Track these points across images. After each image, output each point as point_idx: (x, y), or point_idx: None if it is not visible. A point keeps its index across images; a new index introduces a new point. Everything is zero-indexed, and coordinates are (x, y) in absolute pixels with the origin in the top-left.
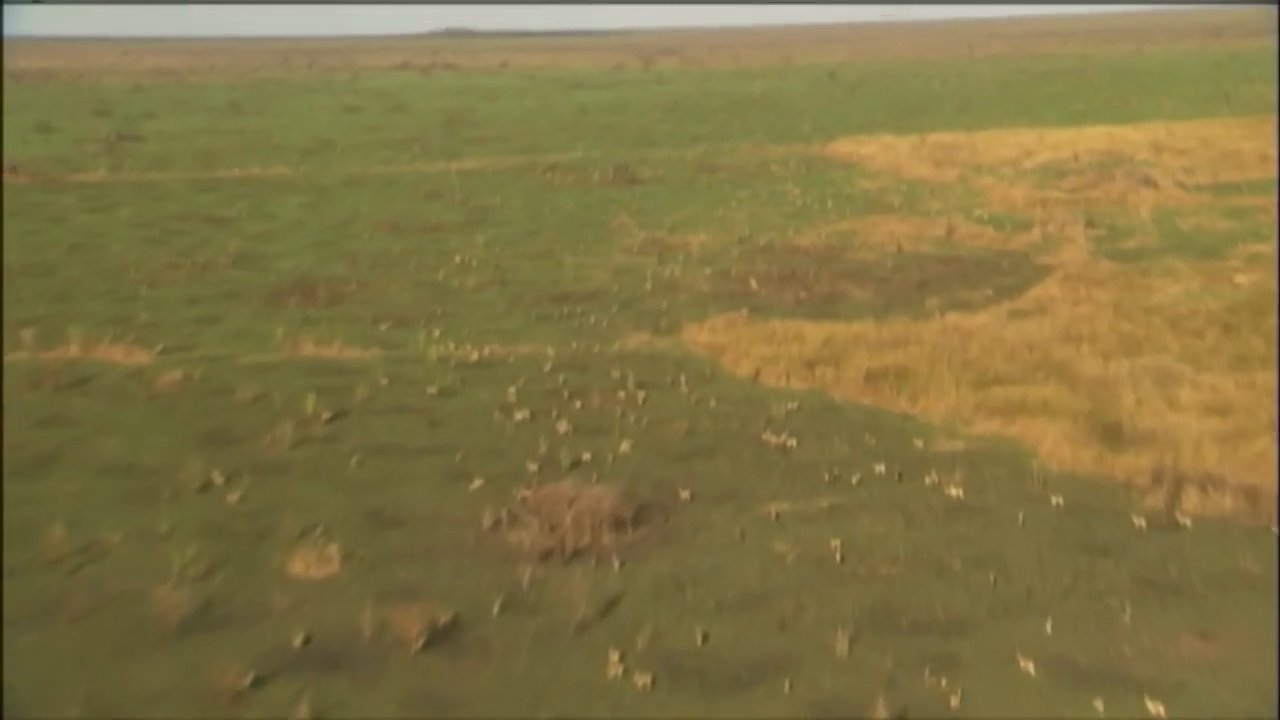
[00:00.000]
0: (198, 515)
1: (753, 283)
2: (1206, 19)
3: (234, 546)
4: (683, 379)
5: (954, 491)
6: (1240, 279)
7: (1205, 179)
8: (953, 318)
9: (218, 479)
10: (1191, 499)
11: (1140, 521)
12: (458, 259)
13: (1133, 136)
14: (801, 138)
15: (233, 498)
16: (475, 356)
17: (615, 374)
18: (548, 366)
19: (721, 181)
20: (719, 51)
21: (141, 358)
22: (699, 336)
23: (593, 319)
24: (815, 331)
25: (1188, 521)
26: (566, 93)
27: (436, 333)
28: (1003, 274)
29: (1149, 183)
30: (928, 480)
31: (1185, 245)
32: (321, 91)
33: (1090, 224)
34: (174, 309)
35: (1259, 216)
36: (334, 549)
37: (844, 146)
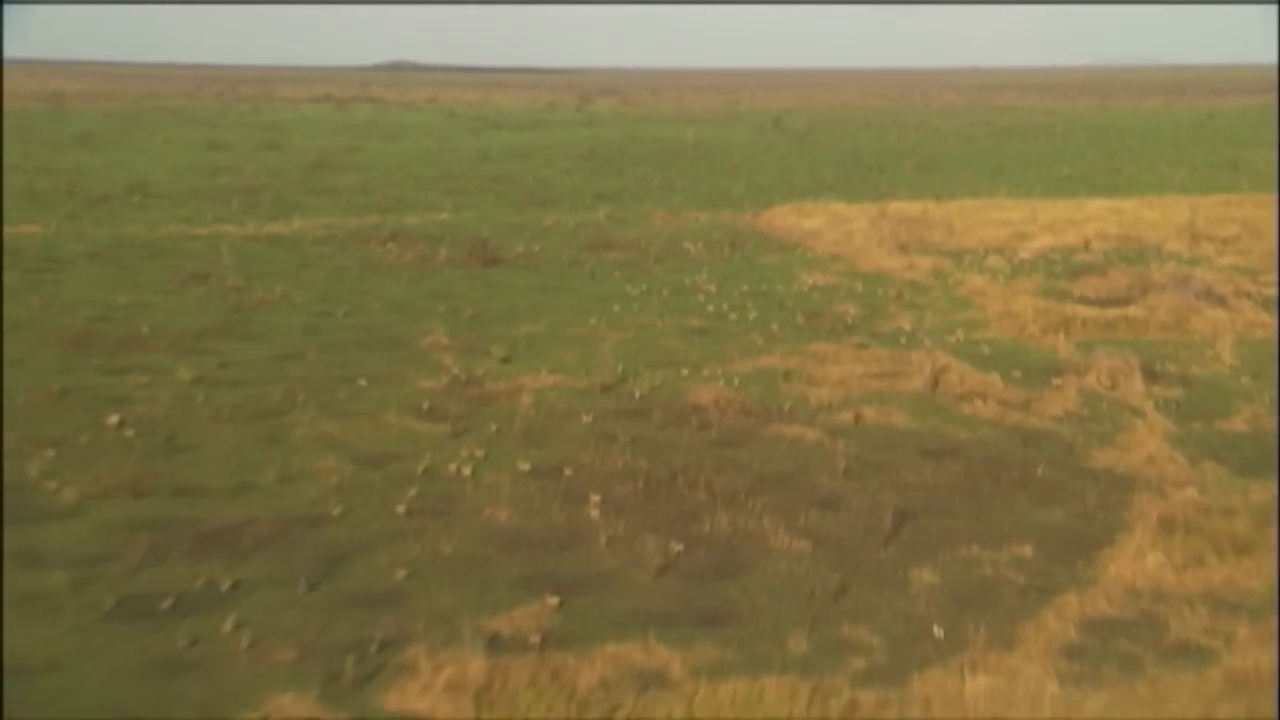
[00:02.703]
0: None
1: (594, 505)
2: (1163, 76)
3: None
4: None
5: None
6: None
7: None
8: (983, 683)
9: None
10: None
11: None
12: (114, 419)
13: (1148, 216)
14: (732, 202)
15: None
16: None
17: None
18: None
19: (611, 267)
20: (663, 93)
21: None
22: (424, 703)
23: (230, 621)
24: (677, 709)
25: None
26: (478, 133)
27: None
28: (1040, 497)
29: (1212, 296)
30: None
31: None
32: (204, 123)
33: (1152, 373)
34: None
35: None
36: None
37: (784, 216)
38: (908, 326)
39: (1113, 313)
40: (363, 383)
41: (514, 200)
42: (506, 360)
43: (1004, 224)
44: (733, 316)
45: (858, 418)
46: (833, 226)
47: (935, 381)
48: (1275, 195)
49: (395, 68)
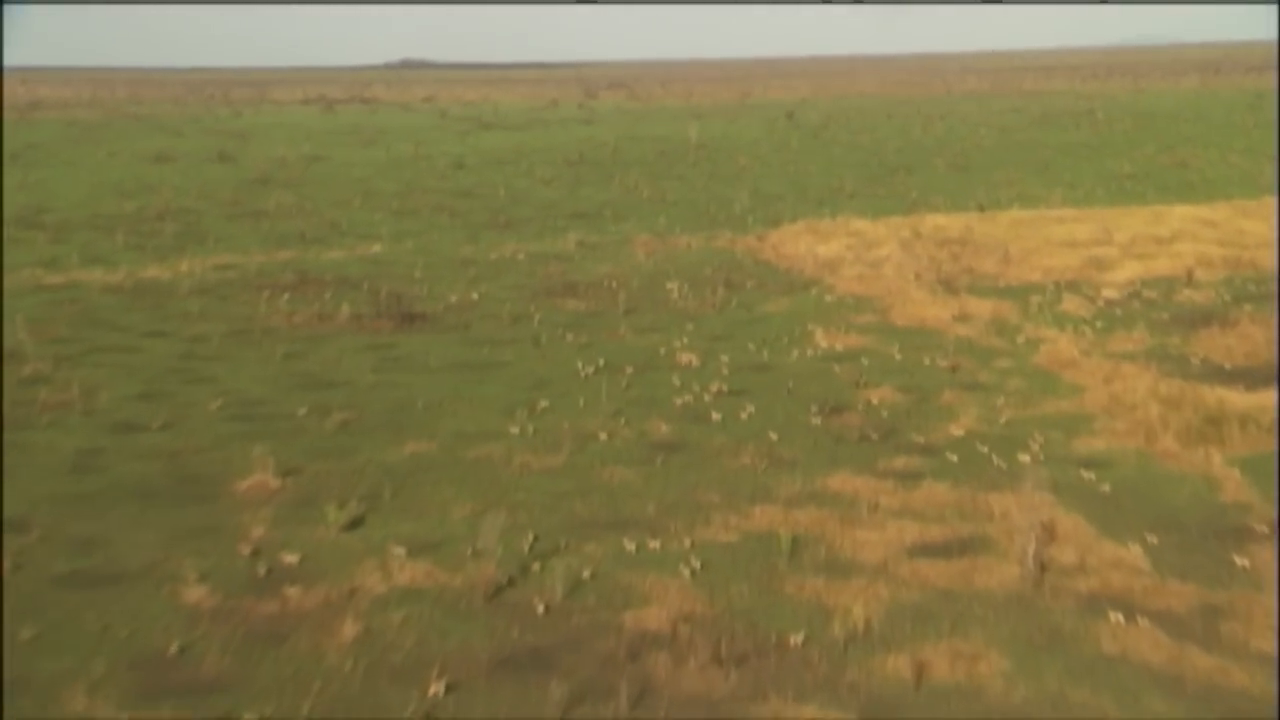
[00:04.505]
0: None
1: None
2: (1193, 54)
3: None
4: None
5: None
6: None
7: None
8: None
9: None
10: None
11: None
12: None
13: (1251, 229)
14: (732, 219)
15: None
16: None
17: None
18: None
19: (564, 326)
20: (672, 85)
21: None
22: None
23: None
24: None
25: None
26: (463, 136)
27: None
28: None
29: None
30: None
31: None
32: (169, 131)
33: None
34: None
35: None
36: None
37: (794, 238)
38: (964, 427)
39: (1272, 398)
40: (75, 602)
41: (472, 222)
42: (353, 525)
43: (1071, 244)
44: (716, 416)
45: (919, 674)
46: (856, 253)
47: (1040, 568)
48: (1275, 196)
49: (404, 66)
